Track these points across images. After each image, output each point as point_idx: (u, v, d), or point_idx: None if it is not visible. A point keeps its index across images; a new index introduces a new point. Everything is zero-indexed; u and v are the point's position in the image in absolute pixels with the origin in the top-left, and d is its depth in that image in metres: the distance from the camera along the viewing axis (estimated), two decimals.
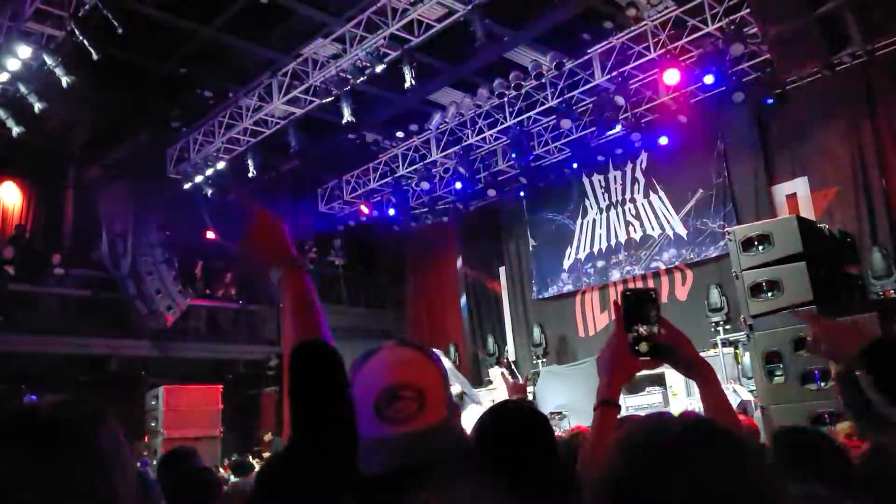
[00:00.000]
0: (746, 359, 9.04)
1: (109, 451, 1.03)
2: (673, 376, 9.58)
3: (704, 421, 1.06)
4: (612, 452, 1.02)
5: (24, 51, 9.14)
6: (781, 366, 5.01)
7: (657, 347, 1.49)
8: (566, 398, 11.03)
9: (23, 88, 9.58)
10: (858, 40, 8.29)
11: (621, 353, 1.51)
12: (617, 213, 13.22)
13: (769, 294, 5.22)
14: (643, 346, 1.49)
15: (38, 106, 9.66)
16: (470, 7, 8.89)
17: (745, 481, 0.96)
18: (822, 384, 4.71)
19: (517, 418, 1.85)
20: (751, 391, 8.30)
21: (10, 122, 10.26)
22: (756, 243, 5.41)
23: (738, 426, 1.53)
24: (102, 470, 1.01)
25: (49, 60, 9.02)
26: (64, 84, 9.14)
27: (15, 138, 10.45)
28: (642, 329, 1.49)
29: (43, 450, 0.98)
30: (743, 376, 9.47)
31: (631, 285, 12.28)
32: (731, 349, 10.07)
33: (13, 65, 9.35)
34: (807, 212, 10.33)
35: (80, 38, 8.52)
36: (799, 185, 11.14)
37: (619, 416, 1.55)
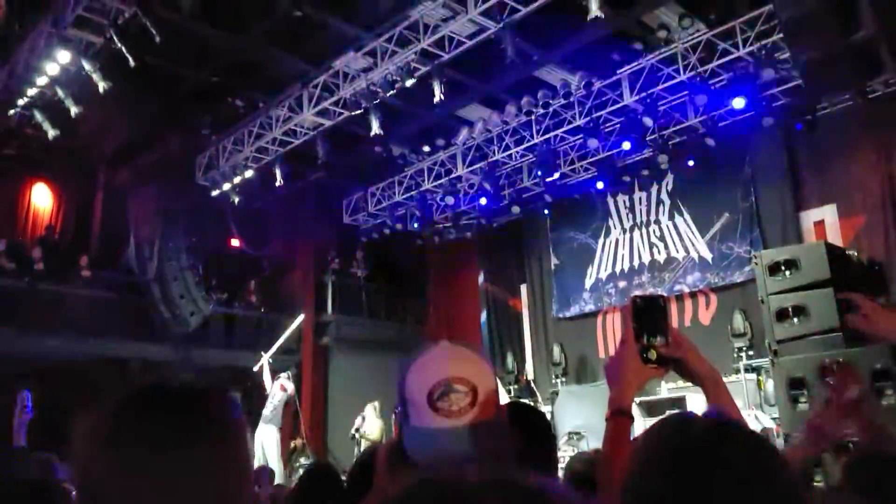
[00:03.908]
0: (769, 385, 8.91)
1: (237, 420, 1.07)
2: (693, 399, 9.48)
3: (730, 423, 1.02)
4: (634, 458, 0.99)
5: (64, 56, 9.35)
6: (806, 392, 4.93)
7: (665, 355, 1.48)
8: (585, 419, 10.93)
9: (60, 92, 9.81)
10: (892, 68, 8.18)
11: (631, 361, 1.49)
12: (641, 234, 13.15)
13: (795, 320, 5.16)
14: (652, 354, 1.48)
15: (74, 110, 9.87)
16: (501, 25, 8.94)
17: (776, 487, 0.93)
18: None
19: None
20: (773, 418, 8.19)
21: (46, 125, 10.49)
22: (783, 268, 5.35)
23: None
24: (232, 437, 1.05)
25: (87, 66, 9.22)
26: (101, 89, 9.33)
27: (48, 141, 10.67)
28: (651, 336, 1.48)
29: (183, 417, 1.01)
30: (765, 403, 9.34)
31: None
32: (754, 375, 9.94)
33: (52, 69, 9.58)
34: (834, 239, 10.19)
35: (119, 45, 8.72)
36: (827, 213, 11.00)
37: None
